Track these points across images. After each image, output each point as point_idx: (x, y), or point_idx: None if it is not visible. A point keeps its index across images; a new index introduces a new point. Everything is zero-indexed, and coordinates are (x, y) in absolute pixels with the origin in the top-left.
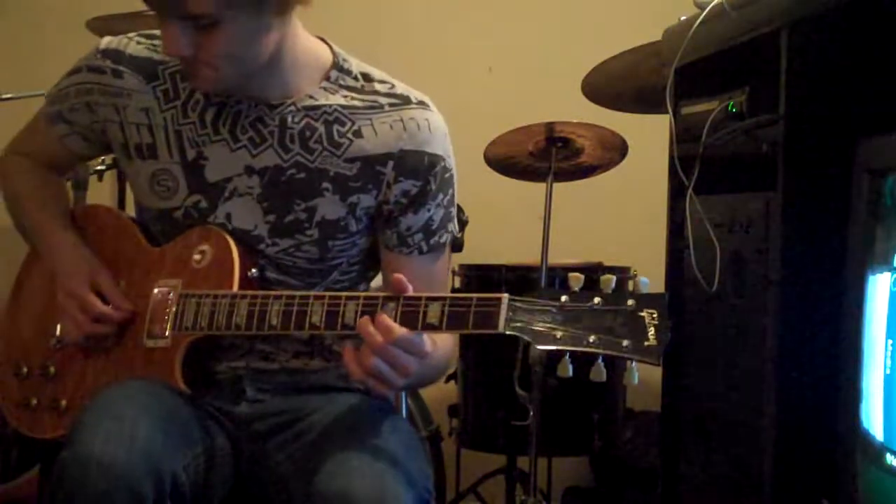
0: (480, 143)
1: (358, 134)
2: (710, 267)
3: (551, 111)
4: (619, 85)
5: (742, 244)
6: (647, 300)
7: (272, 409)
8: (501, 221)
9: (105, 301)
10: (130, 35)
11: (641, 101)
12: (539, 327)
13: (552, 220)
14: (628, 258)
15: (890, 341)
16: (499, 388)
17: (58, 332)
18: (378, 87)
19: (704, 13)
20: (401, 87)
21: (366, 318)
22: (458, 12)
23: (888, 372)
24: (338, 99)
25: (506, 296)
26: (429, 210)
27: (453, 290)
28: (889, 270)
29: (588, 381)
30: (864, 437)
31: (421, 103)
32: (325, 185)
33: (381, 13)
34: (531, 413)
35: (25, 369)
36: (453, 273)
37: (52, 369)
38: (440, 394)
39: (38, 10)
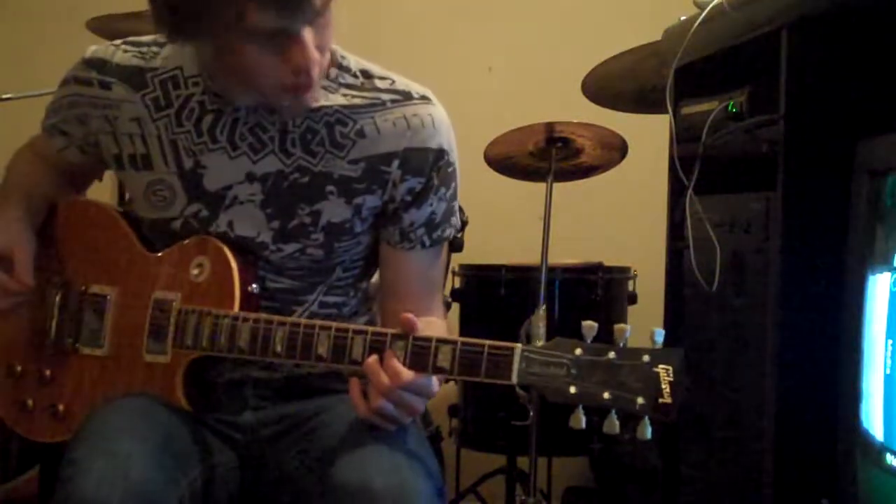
0: (480, 143)
1: (360, 134)
2: (710, 267)
3: (551, 111)
4: (619, 85)
5: (742, 244)
6: (662, 355)
7: (277, 415)
8: (501, 221)
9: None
10: (116, 43)
11: (641, 101)
12: (552, 380)
13: (552, 220)
14: (628, 258)
15: (890, 341)
16: (499, 388)
17: (52, 335)
18: (378, 83)
19: (704, 13)
20: (401, 83)
21: (374, 358)
22: (458, 12)
23: (888, 372)
24: (338, 98)
25: (519, 346)
26: (431, 204)
27: (453, 291)
28: (889, 270)
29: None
30: (864, 437)
31: (423, 98)
32: (330, 187)
33: (382, 13)
34: (531, 413)
35: (19, 368)
36: (453, 273)
37: (47, 372)
38: (440, 394)
39: (38, 10)
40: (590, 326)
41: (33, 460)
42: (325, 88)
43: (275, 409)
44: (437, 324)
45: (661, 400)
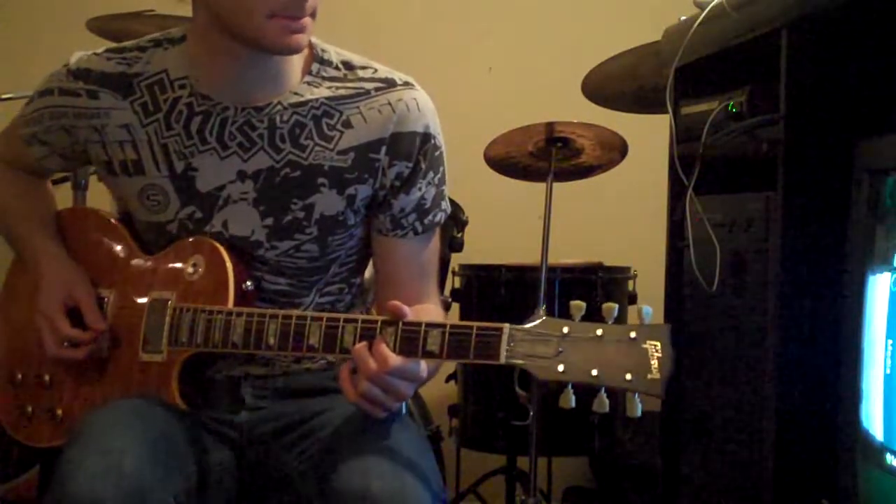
0: (480, 143)
1: (347, 124)
2: (710, 267)
3: (551, 111)
4: (619, 85)
5: (742, 244)
6: (649, 331)
7: (273, 414)
8: (501, 221)
9: (82, 320)
10: (98, 51)
11: (641, 101)
12: (541, 359)
13: (552, 220)
14: (628, 258)
15: (890, 341)
16: (499, 388)
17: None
18: (361, 73)
19: (704, 13)
20: (383, 71)
21: (363, 344)
22: (458, 12)
23: (888, 372)
24: (323, 91)
25: (507, 326)
26: (420, 189)
27: (453, 291)
28: (889, 270)
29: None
30: (864, 437)
31: (406, 84)
32: (321, 180)
33: (381, 13)
34: (531, 413)
35: (19, 376)
36: (453, 273)
37: (46, 377)
38: (440, 394)
39: (37, 10)
40: (578, 306)
41: (33, 460)
42: (308, 84)
43: (272, 408)
44: (432, 310)
45: (649, 376)
